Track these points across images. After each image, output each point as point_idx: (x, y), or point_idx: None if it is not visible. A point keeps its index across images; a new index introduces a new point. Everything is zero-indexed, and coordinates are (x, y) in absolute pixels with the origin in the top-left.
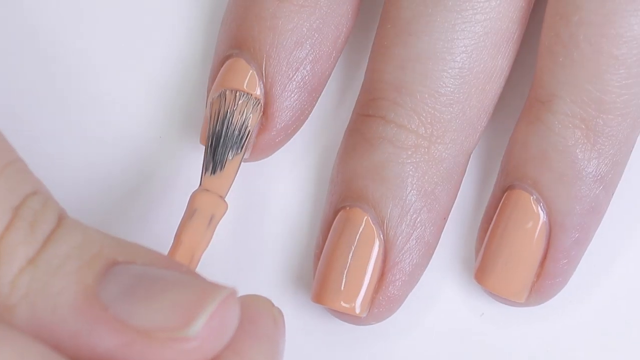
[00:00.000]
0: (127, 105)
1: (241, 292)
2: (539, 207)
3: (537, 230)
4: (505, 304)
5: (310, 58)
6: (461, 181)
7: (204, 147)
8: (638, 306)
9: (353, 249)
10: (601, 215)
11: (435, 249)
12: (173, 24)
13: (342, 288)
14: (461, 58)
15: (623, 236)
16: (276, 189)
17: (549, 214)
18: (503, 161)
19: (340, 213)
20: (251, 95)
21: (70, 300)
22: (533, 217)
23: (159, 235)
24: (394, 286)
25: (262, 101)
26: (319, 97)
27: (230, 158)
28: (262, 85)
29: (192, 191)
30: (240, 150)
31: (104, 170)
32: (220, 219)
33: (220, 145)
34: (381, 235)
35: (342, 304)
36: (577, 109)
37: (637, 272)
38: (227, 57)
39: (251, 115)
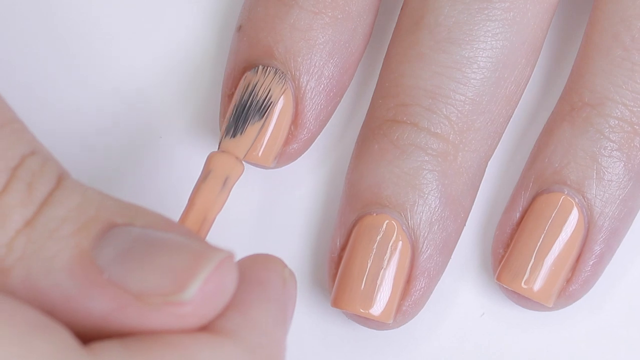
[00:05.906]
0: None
1: None
2: (582, 211)
3: (581, 236)
4: (525, 308)
5: (338, 70)
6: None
7: (226, 117)
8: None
9: (387, 257)
10: (633, 218)
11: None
12: (181, 24)
13: (375, 296)
14: (499, 67)
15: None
16: (285, 193)
17: (589, 217)
18: (535, 163)
19: (367, 219)
20: (278, 70)
21: (65, 264)
22: (577, 221)
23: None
24: (420, 291)
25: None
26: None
27: (252, 123)
28: (293, 95)
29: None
30: (261, 118)
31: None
32: (236, 181)
33: (243, 113)
34: (410, 242)
35: (373, 311)
36: (628, 113)
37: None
38: (250, 65)
39: (276, 87)
